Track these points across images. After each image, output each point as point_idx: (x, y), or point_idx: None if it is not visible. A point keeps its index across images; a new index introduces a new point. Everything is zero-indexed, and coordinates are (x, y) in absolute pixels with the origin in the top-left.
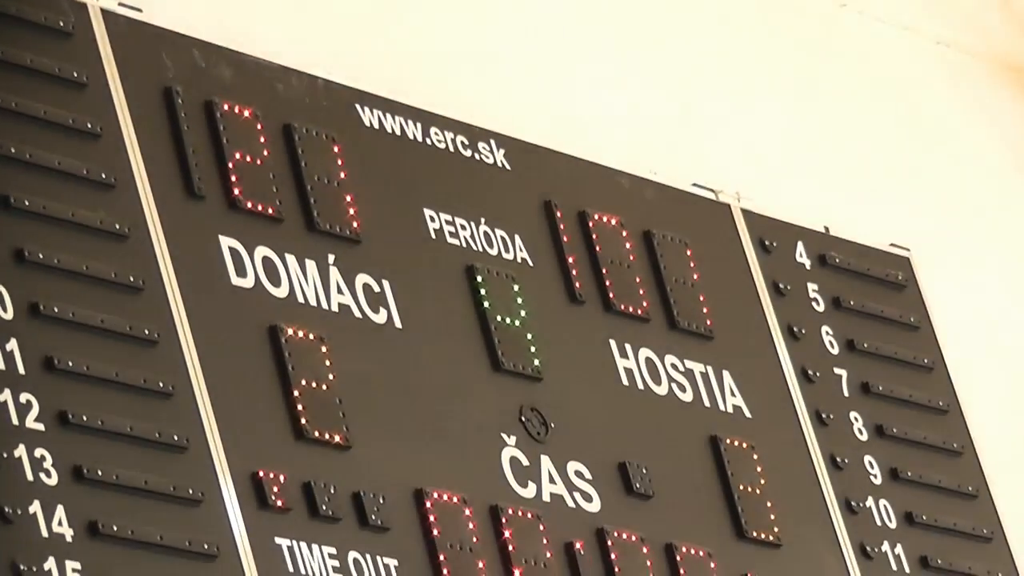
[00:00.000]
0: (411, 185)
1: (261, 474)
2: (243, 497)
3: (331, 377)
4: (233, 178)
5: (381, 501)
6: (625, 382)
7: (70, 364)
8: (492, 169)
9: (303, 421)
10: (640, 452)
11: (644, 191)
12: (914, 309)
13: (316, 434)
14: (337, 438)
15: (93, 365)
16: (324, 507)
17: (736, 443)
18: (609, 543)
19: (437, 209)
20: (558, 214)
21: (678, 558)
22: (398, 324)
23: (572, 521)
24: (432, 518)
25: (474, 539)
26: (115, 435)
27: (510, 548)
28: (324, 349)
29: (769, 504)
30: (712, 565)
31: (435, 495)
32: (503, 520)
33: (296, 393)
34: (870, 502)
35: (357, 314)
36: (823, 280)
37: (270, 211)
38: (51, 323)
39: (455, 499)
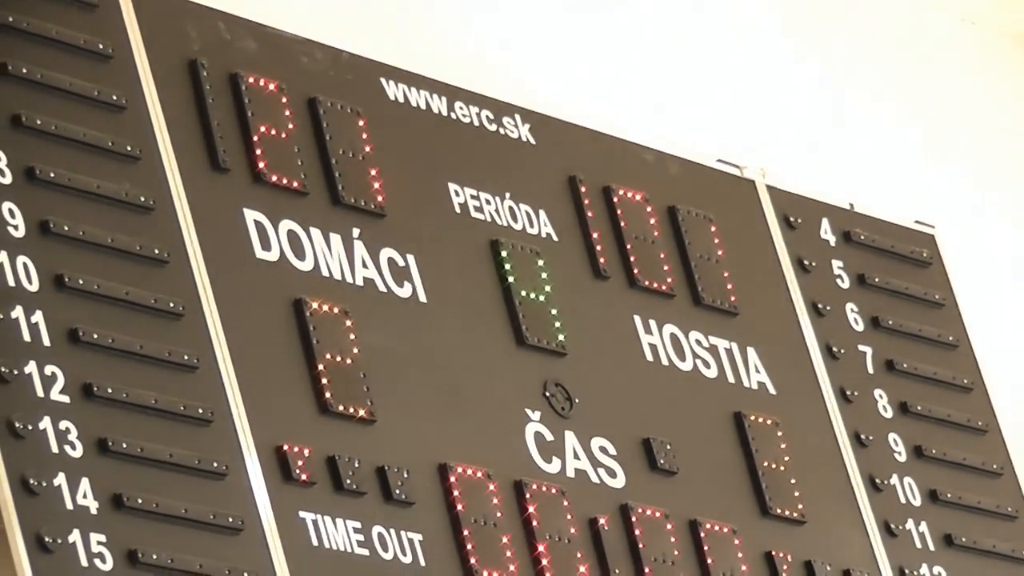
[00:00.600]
0: (436, 159)
1: (285, 448)
2: (267, 471)
3: (355, 351)
4: (258, 151)
5: (405, 475)
6: (649, 358)
7: (95, 336)
8: (517, 144)
9: (327, 395)
10: (664, 428)
11: (669, 167)
12: (939, 286)
13: (340, 408)
14: (361, 412)
15: (118, 338)
16: (348, 481)
17: (760, 420)
18: (633, 519)
19: (462, 183)
20: (583, 189)
21: (702, 534)
22: (422, 298)
23: (596, 497)
24: (456, 493)
25: (498, 514)
26: (140, 408)
27: (534, 523)
28: (348, 323)
29: (793, 481)
30: (736, 542)
31: (459, 470)
32: (527, 495)
33: (320, 367)
34: (894, 479)
35: (382, 288)
36: (848, 257)
37: (295, 184)
38: (76, 295)
39: (479, 474)
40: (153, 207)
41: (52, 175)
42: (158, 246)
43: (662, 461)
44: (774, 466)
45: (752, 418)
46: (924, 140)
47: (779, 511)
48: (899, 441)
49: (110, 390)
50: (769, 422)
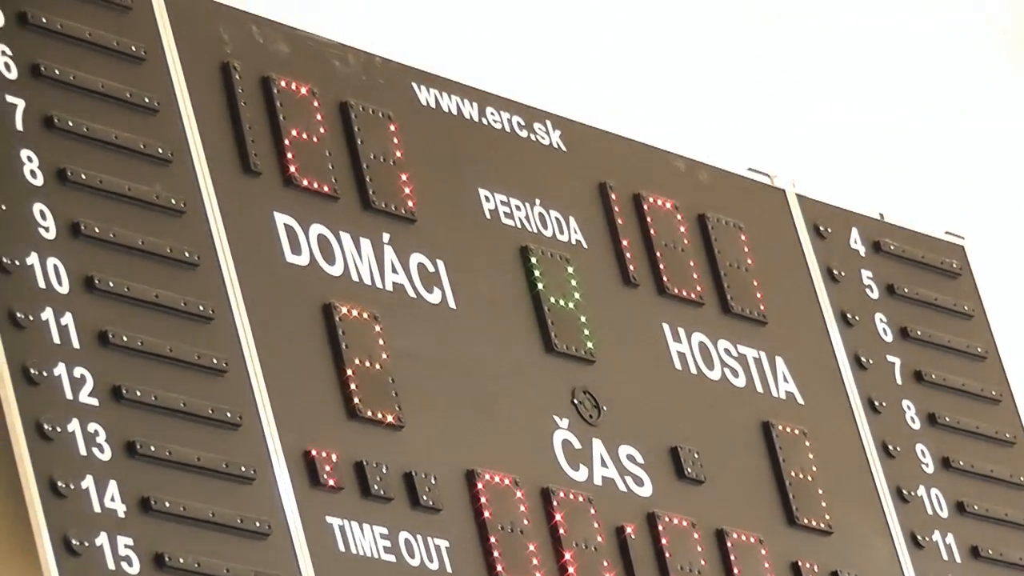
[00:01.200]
0: (467, 165)
1: (313, 452)
2: (295, 475)
3: (384, 356)
4: (289, 155)
5: (432, 481)
6: (678, 366)
7: (124, 339)
8: (548, 150)
9: (356, 400)
10: (692, 437)
11: (699, 174)
12: (968, 297)
13: (368, 413)
14: (389, 417)
15: (147, 340)
16: (375, 486)
17: (788, 429)
18: (660, 527)
19: (492, 189)
20: (613, 196)
21: (728, 544)
22: (452, 304)
23: (623, 505)
24: (483, 499)
25: (525, 521)
26: (168, 411)
27: (561, 531)
28: (378, 328)
29: (820, 491)
30: (763, 551)
31: (486, 476)
32: (554, 503)
33: (349, 372)
34: (921, 491)
35: (411, 293)
36: (877, 267)
37: (326, 189)
38: (106, 297)
39: (506, 481)
40: (184, 210)
41: (83, 177)
42: (188, 249)
43: (689, 470)
44: (801, 476)
45: (780, 428)
46: (955, 150)
47: (806, 521)
48: (927, 452)
49: (139, 393)
50: (797, 432)
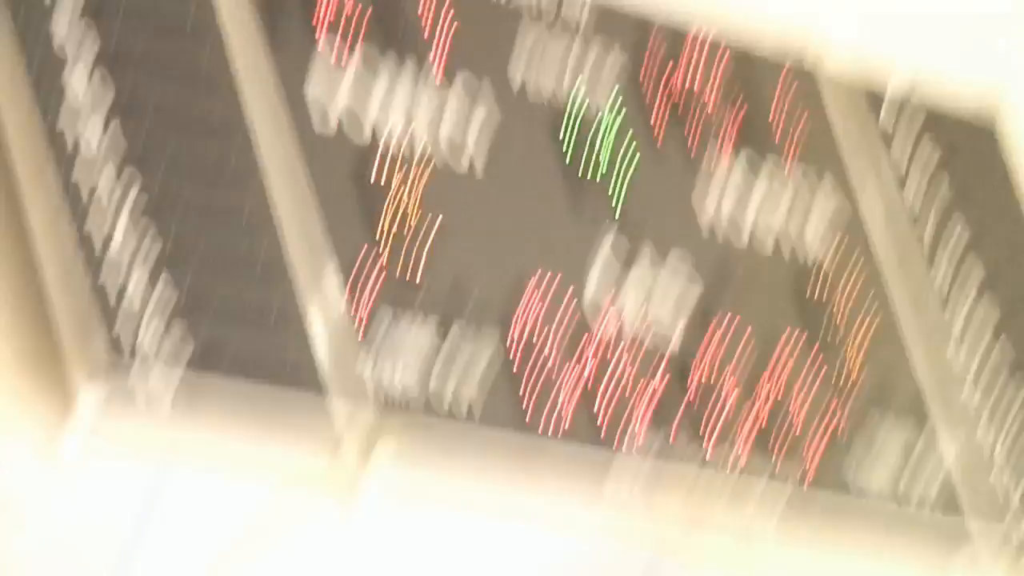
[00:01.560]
0: (498, 42)
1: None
2: None
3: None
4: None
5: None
6: (708, 233)
7: None
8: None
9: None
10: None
11: (730, 46)
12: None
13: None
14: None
15: None
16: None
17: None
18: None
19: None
20: (645, 64)
21: None
22: (479, 175)
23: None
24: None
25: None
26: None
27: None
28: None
29: None
30: None
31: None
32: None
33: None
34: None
35: (438, 163)
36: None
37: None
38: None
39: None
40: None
41: None
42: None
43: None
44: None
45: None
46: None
47: None
48: None
49: None
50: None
